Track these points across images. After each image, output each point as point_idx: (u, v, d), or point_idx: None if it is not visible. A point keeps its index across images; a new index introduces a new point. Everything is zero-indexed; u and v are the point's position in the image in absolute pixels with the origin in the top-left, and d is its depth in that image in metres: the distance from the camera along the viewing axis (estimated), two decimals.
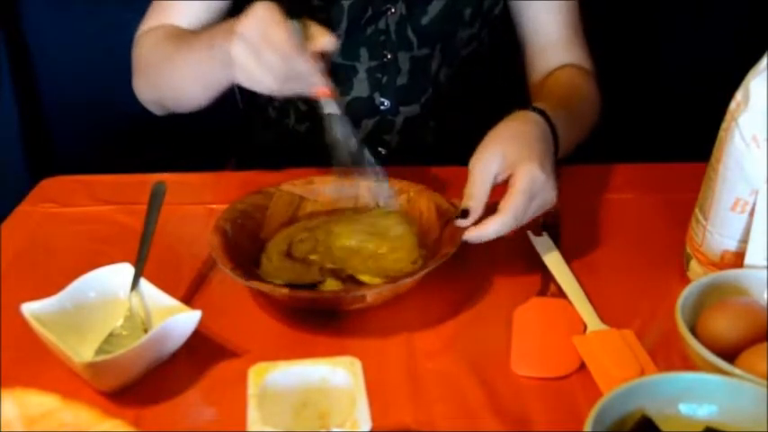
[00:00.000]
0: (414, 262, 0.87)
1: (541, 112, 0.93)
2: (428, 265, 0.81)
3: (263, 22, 0.83)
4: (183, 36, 1.03)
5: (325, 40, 0.85)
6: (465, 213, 0.85)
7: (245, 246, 0.88)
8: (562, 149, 0.95)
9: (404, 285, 0.81)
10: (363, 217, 0.93)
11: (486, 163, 0.86)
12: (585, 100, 1.10)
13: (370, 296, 0.81)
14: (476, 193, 0.85)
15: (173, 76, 1.03)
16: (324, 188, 0.96)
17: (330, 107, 0.88)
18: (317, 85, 0.86)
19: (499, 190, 0.85)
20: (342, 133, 0.89)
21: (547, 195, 0.86)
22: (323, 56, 0.86)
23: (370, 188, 0.94)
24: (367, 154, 0.92)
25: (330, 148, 0.89)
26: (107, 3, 1.51)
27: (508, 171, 0.85)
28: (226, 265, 0.81)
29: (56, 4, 1.52)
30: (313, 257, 0.87)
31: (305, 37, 0.85)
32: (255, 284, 0.81)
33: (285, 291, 0.80)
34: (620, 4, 1.51)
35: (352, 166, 0.92)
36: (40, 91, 1.59)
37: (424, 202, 0.92)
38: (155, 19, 1.10)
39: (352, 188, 0.95)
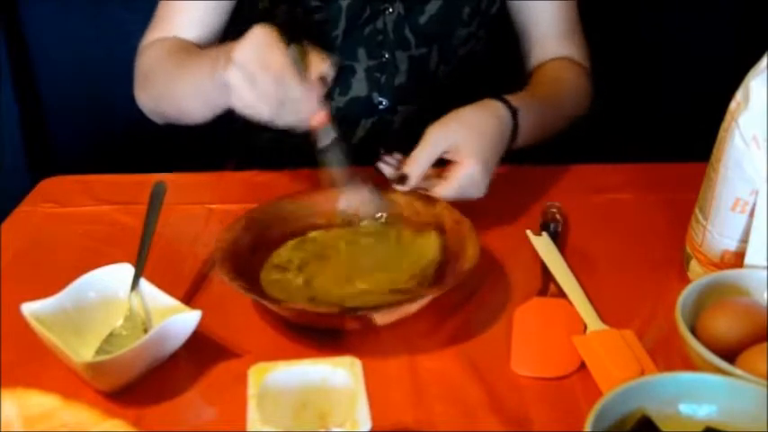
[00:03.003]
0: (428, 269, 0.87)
1: (510, 107, 0.97)
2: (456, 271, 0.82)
3: (259, 47, 0.83)
4: (186, 54, 1.02)
5: (323, 65, 0.85)
6: (402, 178, 0.90)
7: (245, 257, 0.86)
8: (522, 140, 0.99)
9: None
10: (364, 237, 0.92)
11: (443, 136, 0.90)
12: (569, 92, 1.12)
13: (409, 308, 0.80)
14: (421, 160, 0.90)
15: (175, 94, 1.03)
16: (323, 201, 0.94)
17: (326, 137, 0.87)
18: (314, 113, 0.85)
19: None
20: (338, 163, 0.89)
21: (474, 192, 0.91)
22: (321, 82, 0.86)
23: (365, 202, 0.94)
24: (362, 182, 0.92)
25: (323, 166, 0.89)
26: (107, 3, 1.51)
27: (455, 156, 0.90)
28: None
29: (56, 4, 1.52)
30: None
31: (303, 62, 0.84)
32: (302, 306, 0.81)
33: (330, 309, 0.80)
34: (621, 4, 1.51)
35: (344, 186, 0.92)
36: (40, 91, 1.59)
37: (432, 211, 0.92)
38: (159, 30, 1.10)
39: (350, 201, 0.93)
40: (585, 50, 1.18)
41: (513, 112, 0.97)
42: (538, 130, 1.02)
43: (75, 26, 1.54)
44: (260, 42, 0.83)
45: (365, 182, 0.92)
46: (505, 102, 0.97)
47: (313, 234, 0.92)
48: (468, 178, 0.90)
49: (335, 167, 0.89)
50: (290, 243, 0.90)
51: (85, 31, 1.54)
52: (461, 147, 0.90)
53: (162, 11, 1.11)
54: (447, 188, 0.90)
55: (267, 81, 0.82)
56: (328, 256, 0.89)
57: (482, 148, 0.91)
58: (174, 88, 1.02)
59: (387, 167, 0.93)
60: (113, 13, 1.50)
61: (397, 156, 0.93)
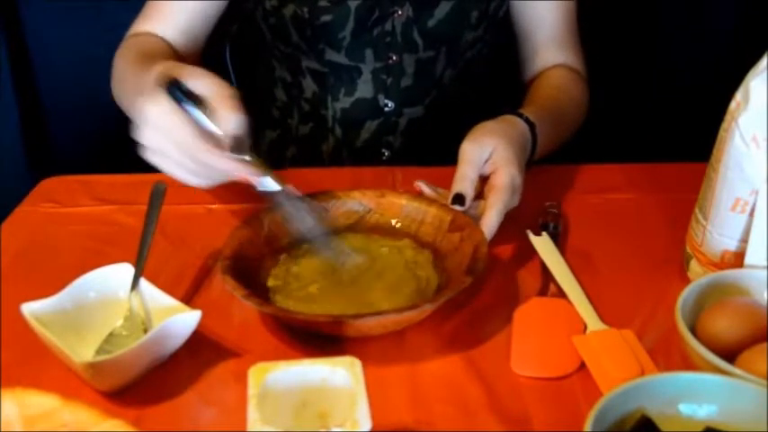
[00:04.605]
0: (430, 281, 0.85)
1: (528, 122, 0.97)
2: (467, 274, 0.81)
3: (162, 128, 0.78)
4: (141, 66, 0.96)
5: (230, 121, 0.79)
6: (460, 198, 0.88)
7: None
8: (538, 154, 0.99)
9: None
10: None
11: (480, 149, 0.89)
12: (571, 104, 1.13)
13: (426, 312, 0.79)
14: (469, 175, 0.88)
15: (120, 98, 1.03)
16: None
17: (267, 186, 0.83)
18: (233, 172, 0.80)
19: None
20: (290, 206, 0.85)
21: (517, 198, 0.90)
22: (237, 138, 0.80)
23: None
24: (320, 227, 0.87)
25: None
26: (107, 3, 1.51)
27: (492, 167, 0.89)
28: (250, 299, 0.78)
29: (56, 4, 1.53)
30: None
31: (210, 116, 0.78)
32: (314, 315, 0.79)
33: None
34: (621, 5, 1.51)
35: (311, 236, 0.87)
36: (40, 91, 1.59)
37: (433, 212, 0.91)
38: (142, 23, 1.10)
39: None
40: (582, 57, 1.18)
41: (531, 127, 0.97)
42: (550, 143, 1.03)
43: (76, 26, 1.54)
44: (160, 123, 0.78)
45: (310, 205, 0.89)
46: (522, 116, 0.97)
47: (283, 256, 0.88)
48: (511, 183, 0.87)
49: (289, 210, 0.86)
50: (273, 272, 0.87)
51: (85, 31, 1.55)
52: (495, 155, 0.89)
53: (149, 4, 1.11)
54: (498, 196, 0.86)
55: (179, 156, 0.78)
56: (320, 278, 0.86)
57: (515, 153, 0.90)
58: (120, 93, 1.03)
59: (426, 188, 0.93)
60: (113, 14, 1.49)
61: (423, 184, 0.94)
